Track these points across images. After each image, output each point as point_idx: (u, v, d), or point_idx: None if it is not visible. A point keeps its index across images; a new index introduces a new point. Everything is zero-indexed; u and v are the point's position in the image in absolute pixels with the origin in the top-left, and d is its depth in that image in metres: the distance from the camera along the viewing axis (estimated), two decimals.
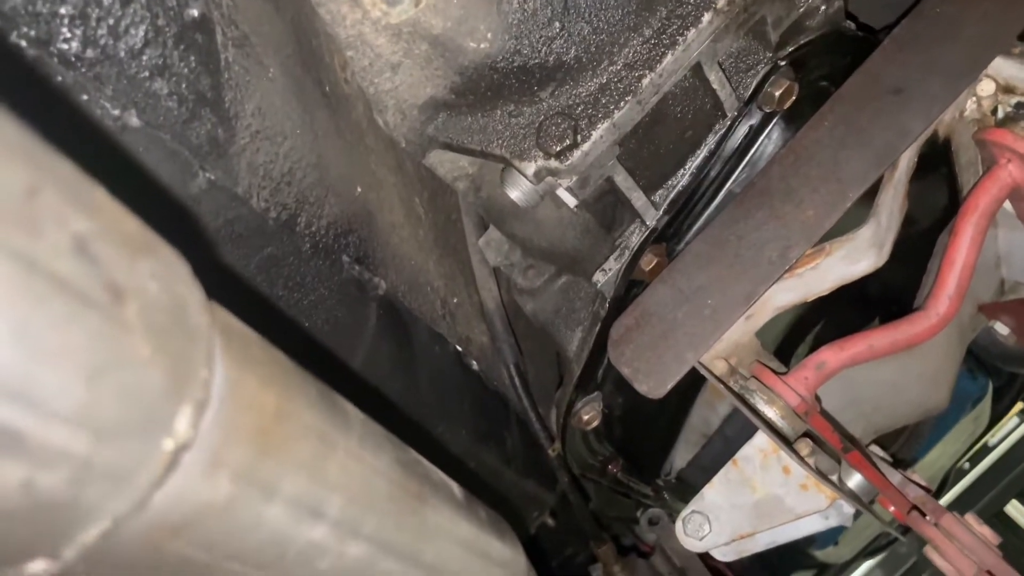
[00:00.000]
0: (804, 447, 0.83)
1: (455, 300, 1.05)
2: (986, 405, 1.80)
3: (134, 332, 0.27)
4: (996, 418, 2.02)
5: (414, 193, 0.99)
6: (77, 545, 0.28)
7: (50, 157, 0.27)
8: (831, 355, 0.86)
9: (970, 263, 0.85)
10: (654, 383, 0.79)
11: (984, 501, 2.50)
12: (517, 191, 0.80)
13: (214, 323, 0.33)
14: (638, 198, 0.81)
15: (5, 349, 0.23)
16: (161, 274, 0.30)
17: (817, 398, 0.88)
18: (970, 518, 0.81)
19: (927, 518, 0.83)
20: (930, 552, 0.82)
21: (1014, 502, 2.66)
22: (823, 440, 0.87)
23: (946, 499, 2.31)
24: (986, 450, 2.50)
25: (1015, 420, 2.45)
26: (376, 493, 0.44)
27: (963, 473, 2.48)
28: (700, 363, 0.81)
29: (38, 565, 0.28)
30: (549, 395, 1.16)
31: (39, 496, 0.25)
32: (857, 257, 0.80)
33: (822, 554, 1.83)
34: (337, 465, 0.40)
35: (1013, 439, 2.51)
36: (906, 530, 0.98)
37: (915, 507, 0.83)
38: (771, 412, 0.85)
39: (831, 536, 1.75)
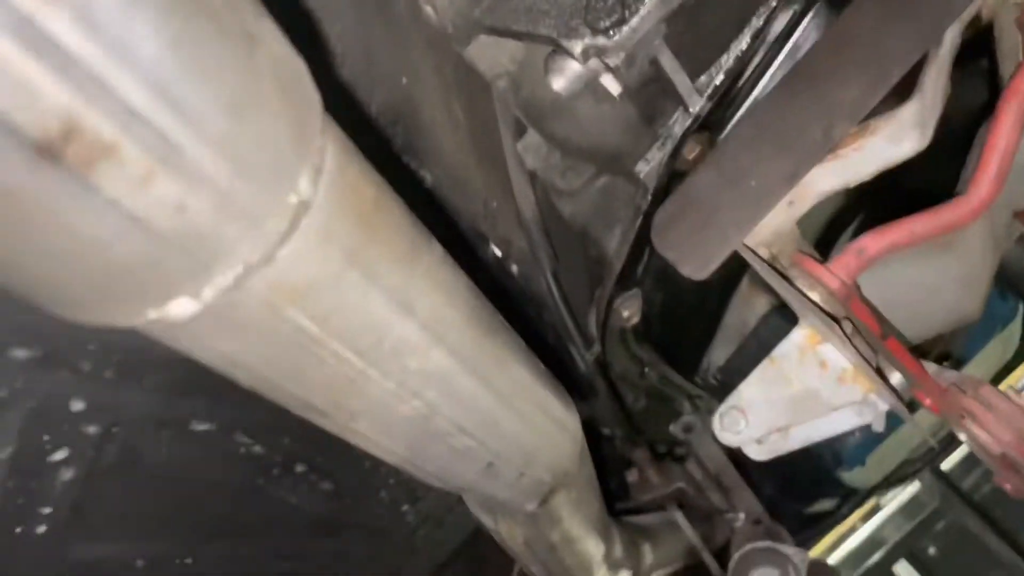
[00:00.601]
0: (847, 326, 0.85)
1: (495, 204, 1.07)
2: (1016, 327, 1.80)
3: (265, 79, 0.29)
4: None
5: (452, 96, 1.00)
6: (214, 286, 0.30)
7: None
8: (871, 241, 0.87)
9: (1011, 148, 0.86)
10: (698, 264, 0.81)
11: None
12: (562, 78, 0.81)
13: (324, 112, 0.34)
14: (682, 81, 0.81)
15: (166, 55, 0.24)
16: (280, 40, 0.31)
17: (856, 285, 0.90)
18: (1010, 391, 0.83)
19: (964, 393, 0.85)
20: (967, 425, 0.84)
21: None
22: (862, 325, 0.89)
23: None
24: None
25: None
26: (456, 310, 0.46)
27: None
28: (743, 245, 0.82)
29: (180, 303, 0.30)
30: (585, 298, 1.18)
31: (189, 220, 0.28)
32: (900, 137, 0.81)
33: (848, 476, 1.85)
34: (424, 271, 0.42)
35: None
36: (937, 454, 1.00)
37: (953, 384, 0.85)
38: (813, 297, 0.86)
39: (858, 456, 1.77)
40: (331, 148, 0.34)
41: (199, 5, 0.26)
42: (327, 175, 0.33)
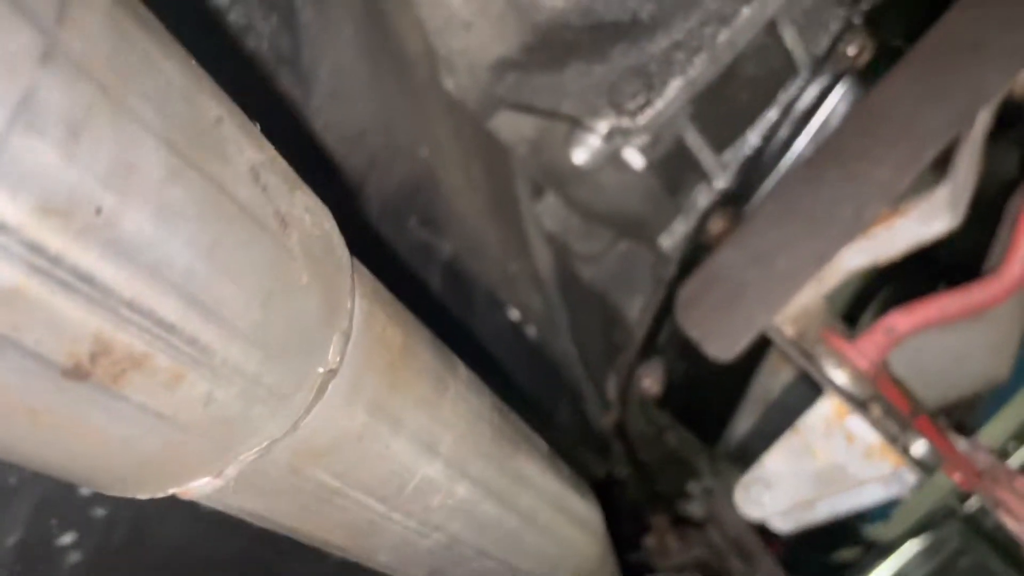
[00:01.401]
0: (876, 409, 0.83)
1: (513, 267, 1.05)
2: None
3: (297, 259, 0.28)
4: None
5: (470, 160, 0.99)
6: (238, 463, 0.29)
7: (222, 93, 0.27)
8: (901, 319, 0.85)
9: None
10: (724, 346, 0.79)
11: None
12: (584, 152, 0.79)
13: (353, 262, 0.33)
14: (707, 158, 0.80)
15: (202, 265, 0.23)
16: (312, 207, 0.30)
17: (886, 363, 0.88)
18: None
19: (999, 481, 0.82)
20: (1003, 515, 0.81)
21: None
22: (891, 405, 0.86)
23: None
24: None
25: None
26: (481, 435, 0.44)
27: (1005, 456, 2.44)
28: (770, 325, 0.80)
29: (202, 483, 0.29)
30: (603, 360, 1.16)
31: (216, 410, 0.26)
32: (932, 218, 0.79)
33: (871, 529, 1.81)
34: (449, 404, 0.41)
35: None
36: (966, 498, 0.97)
37: (982, 475, 0.82)
38: (840, 376, 0.84)
39: (882, 511, 1.73)
40: (359, 305, 0.33)
41: (233, 206, 0.24)
42: (355, 336, 0.32)
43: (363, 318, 0.33)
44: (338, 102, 0.71)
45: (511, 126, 0.88)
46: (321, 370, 0.30)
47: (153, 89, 0.22)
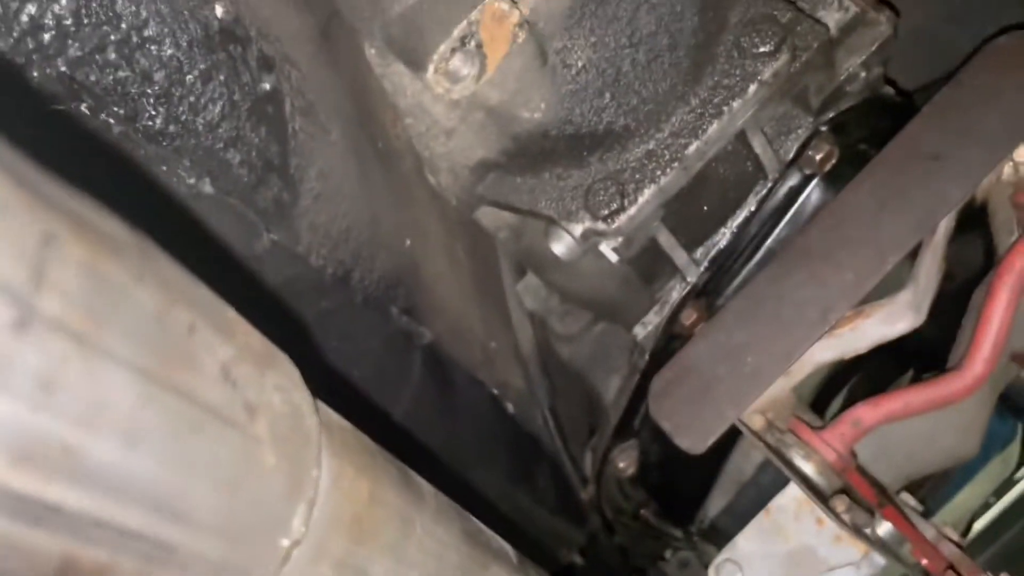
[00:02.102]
0: (840, 503, 0.85)
1: (493, 345, 1.08)
2: (1015, 447, 1.79)
3: (264, 444, 0.30)
4: None
5: (455, 240, 1.02)
6: None
7: (195, 287, 0.29)
8: (867, 412, 0.87)
9: (1005, 325, 0.86)
10: (694, 439, 0.81)
11: (1008, 536, 2.48)
12: (561, 246, 0.82)
13: (321, 424, 0.35)
14: (680, 256, 0.83)
15: (171, 477, 0.25)
16: (282, 384, 0.32)
17: (853, 453, 0.90)
18: None
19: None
20: None
21: None
22: (859, 495, 0.88)
23: (971, 535, 2.29)
24: (1010, 484, 2.48)
25: None
26: (448, 566, 0.46)
27: (987, 507, 2.46)
28: (739, 419, 0.83)
29: None
30: (582, 434, 1.18)
31: None
32: (895, 319, 0.82)
33: None
34: (415, 544, 0.42)
35: None
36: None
37: (951, 566, 0.84)
38: (808, 467, 0.86)
39: None
40: (327, 468, 0.35)
41: (202, 412, 0.26)
42: (321, 501, 0.34)
43: (330, 480, 0.35)
44: (325, 203, 0.73)
45: (493, 215, 0.91)
46: (286, 543, 0.32)
47: (127, 321, 0.24)
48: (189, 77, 0.59)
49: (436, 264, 0.94)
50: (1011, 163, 0.86)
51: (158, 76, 0.57)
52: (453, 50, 0.60)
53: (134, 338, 0.24)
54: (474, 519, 0.55)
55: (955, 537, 0.96)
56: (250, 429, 0.29)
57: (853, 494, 0.89)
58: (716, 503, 1.10)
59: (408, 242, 0.87)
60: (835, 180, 0.84)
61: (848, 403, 1.04)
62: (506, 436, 1.11)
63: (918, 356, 1.12)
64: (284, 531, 0.32)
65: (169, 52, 0.57)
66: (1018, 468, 1.98)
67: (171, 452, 0.25)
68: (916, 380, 1.15)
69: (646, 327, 0.90)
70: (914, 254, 0.84)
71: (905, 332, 0.84)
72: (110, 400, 0.23)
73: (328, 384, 0.81)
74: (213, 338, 0.28)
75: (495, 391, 1.06)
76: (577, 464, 1.15)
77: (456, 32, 0.60)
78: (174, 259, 0.30)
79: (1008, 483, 2.47)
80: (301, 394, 0.34)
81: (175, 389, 0.25)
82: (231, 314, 0.31)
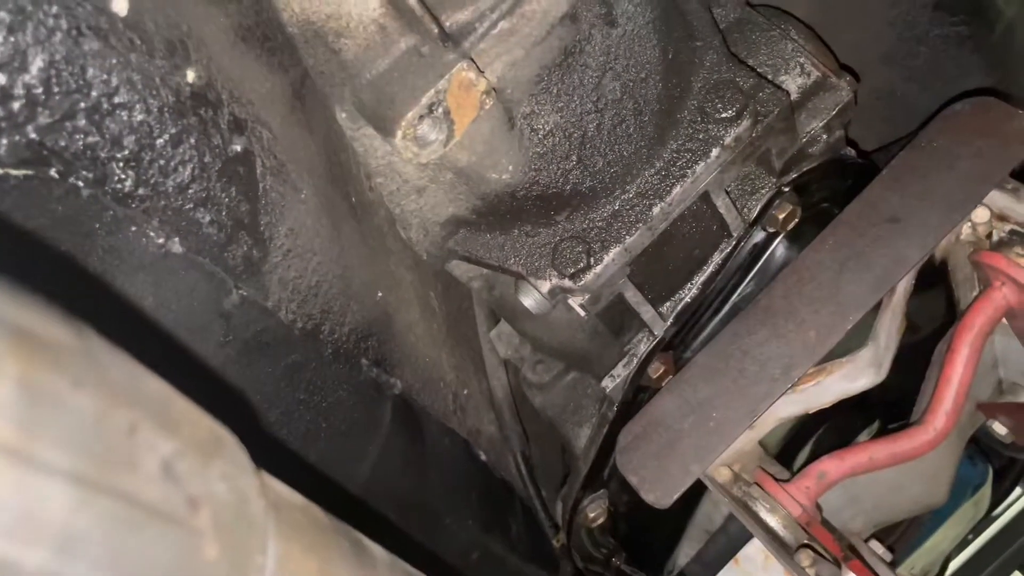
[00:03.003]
0: (805, 558, 0.85)
1: (465, 392, 1.08)
2: (987, 490, 1.81)
3: (206, 536, 0.30)
4: (997, 501, 2.03)
5: (429, 287, 1.03)
6: None
7: (142, 381, 0.30)
8: (832, 465, 0.88)
9: (966, 380, 0.88)
10: (660, 493, 0.82)
11: (986, 573, 2.48)
12: (530, 300, 0.83)
13: (268, 506, 0.36)
14: (647, 311, 0.84)
15: None
16: (228, 472, 0.33)
17: (818, 506, 0.91)
18: None
19: None
20: None
21: (1017, 574, 2.63)
22: (824, 549, 0.89)
23: (949, 572, 2.30)
24: (988, 521, 2.49)
25: (1017, 491, 2.44)
26: None
27: (966, 543, 2.47)
28: (704, 474, 0.84)
29: None
30: (555, 479, 1.18)
31: None
32: (857, 376, 0.83)
33: None
34: None
35: (1015, 511, 2.50)
36: None
37: None
38: (773, 521, 0.87)
39: None
40: (272, 551, 0.35)
41: (141, 512, 0.27)
42: None
43: (276, 564, 0.35)
44: (295, 259, 0.74)
45: (465, 267, 0.92)
46: None
47: (62, 429, 0.25)
48: (159, 141, 0.60)
49: (408, 314, 0.95)
50: (970, 223, 0.88)
51: (128, 141, 0.58)
52: (421, 117, 0.62)
53: (69, 446, 0.25)
54: None
55: None
56: (192, 523, 0.30)
57: (818, 547, 0.90)
58: (686, 552, 1.10)
59: (380, 294, 0.88)
60: (798, 238, 0.86)
61: (816, 453, 1.05)
62: (478, 483, 1.11)
63: (885, 406, 1.14)
64: None
65: (140, 118, 0.58)
66: (991, 510, 2.00)
67: (108, 556, 0.26)
68: (883, 430, 1.17)
69: (615, 379, 0.91)
70: (875, 312, 0.85)
71: (867, 388, 0.86)
72: (43, 510, 0.24)
73: (295, 437, 0.82)
74: (155, 435, 0.29)
75: (467, 438, 1.06)
76: (548, 511, 1.15)
77: (424, 100, 0.61)
78: (121, 352, 0.31)
79: (987, 520, 2.49)
80: (248, 479, 0.35)
81: (112, 492, 0.26)
82: (179, 405, 0.32)
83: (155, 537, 0.28)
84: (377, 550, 0.49)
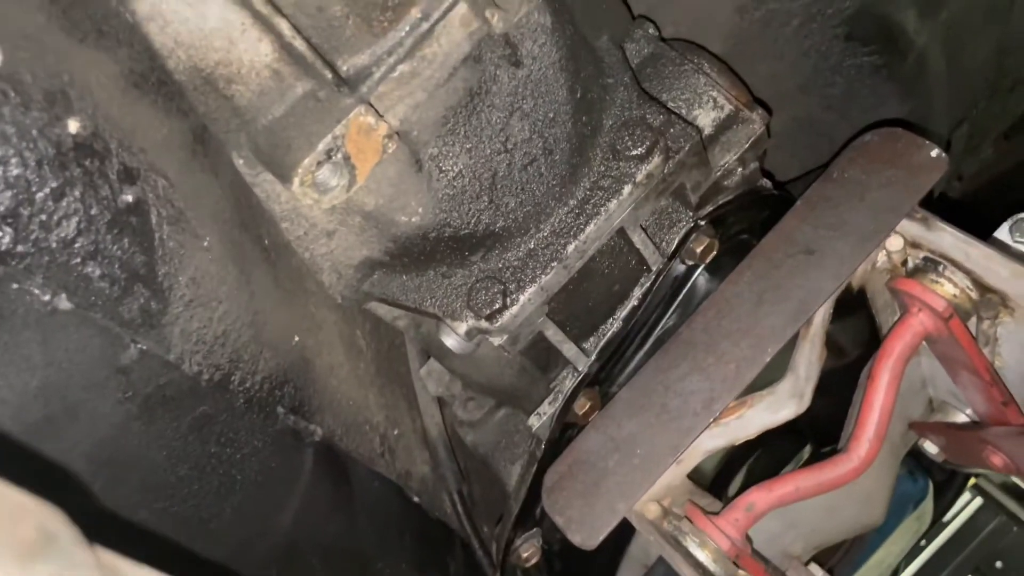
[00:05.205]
0: None
1: (396, 432, 1.06)
2: (928, 504, 1.84)
3: None
4: (940, 513, 2.06)
5: (355, 326, 1.01)
6: None
7: None
8: (760, 496, 0.88)
9: (888, 407, 0.89)
10: (586, 534, 0.81)
11: None
12: (451, 340, 0.82)
13: None
14: (569, 349, 0.83)
15: None
16: (57, 574, 0.30)
17: (748, 538, 0.90)
18: None
19: None
20: None
21: None
22: None
23: None
24: (941, 527, 2.53)
25: (967, 495, 2.49)
26: None
27: (919, 550, 2.50)
28: (632, 511, 0.83)
29: None
30: (494, 518, 1.16)
31: None
32: (778, 407, 0.84)
33: None
34: None
35: (967, 515, 2.54)
36: None
37: None
38: (702, 555, 0.86)
39: None
40: None
41: None
42: None
43: None
44: (198, 308, 0.71)
45: (387, 308, 0.90)
46: None
47: None
48: (39, 195, 0.57)
49: (331, 356, 0.93)
50: (885, 251, 0.90)
51: (4, 197, 0.56)
52: (319, 163, 0.60)
53: None
54: None
55: None
56: None
57: None
58: None
59: (297, 338, 0.86)
60: (718, 270, 0.87)
61: (749, 480, 1.05)
62: (412, 525, 1.09)
63: (817, 430, 1.15)
64: None
65: (16, 172, 0.56)
66: (934, 523, 2.03)
67: None
68: (816, 454, 1.17)
69: (541, 417, 0.89)
70: (795, 342, 0.86)
71: (789, 418, 0.86)
72: None
73: (208, 492, 0.78)
74: None
75: (397, 481, 1.04)
76: (487, 548, 1.13)
77: (321, 146, 0.60)
78: None
79: (939, 526, 2.53)
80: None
81: None
82: (4, 506, 0.30)
83: None
84: None
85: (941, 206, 0.86)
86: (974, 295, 0.85)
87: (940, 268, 0.86)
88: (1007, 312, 0.85)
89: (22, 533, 0.30)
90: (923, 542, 2.51)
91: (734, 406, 0.83)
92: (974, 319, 0.89)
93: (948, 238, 0.82)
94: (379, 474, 0.99)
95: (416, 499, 1.07)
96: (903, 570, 2.41)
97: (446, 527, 1.15)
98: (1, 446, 0.60)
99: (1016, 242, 0.89)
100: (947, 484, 1.96)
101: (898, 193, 0.82)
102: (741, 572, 0.88)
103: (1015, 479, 2.34)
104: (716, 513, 0.89)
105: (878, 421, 0.88)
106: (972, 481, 2.30)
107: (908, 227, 0.85)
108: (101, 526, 0.39)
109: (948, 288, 0.85)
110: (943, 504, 2.01)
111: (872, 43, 1.01)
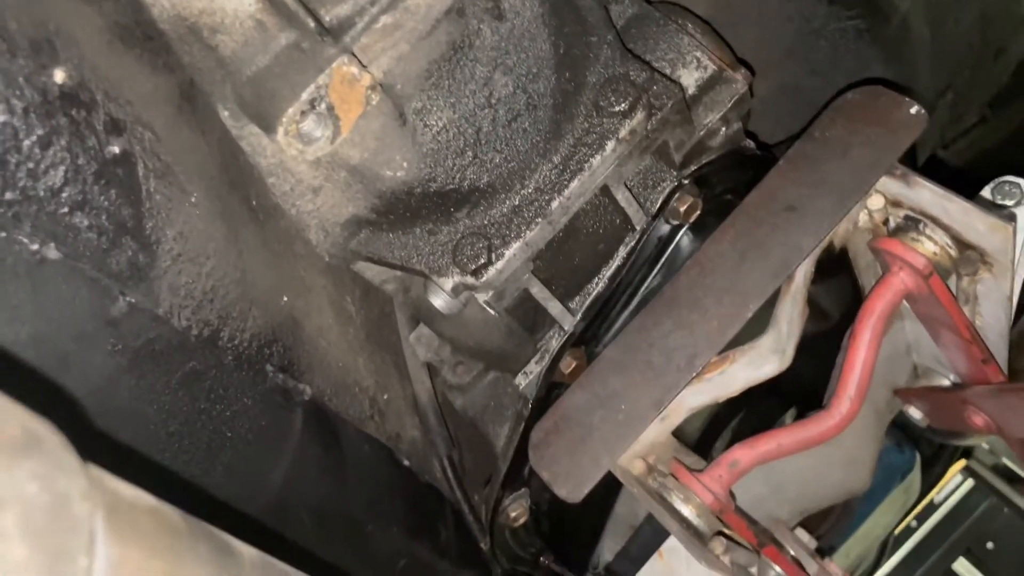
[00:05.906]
0: (718, 545, 0.86)
1: (385, 397, 1.07)
2: (916, 475, 1.86)
3: (11, 539, 0.29)
4: (929, 486, 2.08)
5: (345, 292, 1.02)
6: None
7: None
8: (743, 453, 0.89)
9: (869, 364, 0.90)
10: (572, 487, 0.82)
11: (932, 559, 2.54)
12: (439, 300, 0.83)
13: (96, 507, 0.34)
14: (554, 307, 0.84)
15: None
16: (42, 472, 0.31)
17: (732, 495, 0.92)
18: None
19: None
20: None
21: (962, 559, 2.70)
22: (738, 537, 0.90)
23: (895, 559, 2.36)
24: (932, 508, 2.56)
25: (959, 477, 2.51)
26: None
27: (911, 531, 2.53)
28: (617, 465, 0.84)
29: None
30: (476, 489, 1.18)
31: None
32: (760, 363, 0.85)
33: None
34: None
35: (958, 497, 2.57)
36: None
37: None
38: (687, 510, 0.88)
39: None
40: (103, 553, 0.34)
41: None
42: None
43: (108, 567, 0.34)
44: (186, 263, 0.72)
45: (376, 269, 0.91)
46: None
47: None
48: (26, 143, 0.58)
49: (320, 318, 0.94)
50: (866, 211, 0.91)
51: None
52: (303, 113, 0.61)
53: None
54: None
55: (839, 572, 0.99)
56: None
57: (733, 535, 0.91)
58: (610, 546, 1.11)
59: (286, 298, 0.87)
60: (702, 230, 0.88)
61: (734, 442, 1.06)
62: (401, 489, 1.10)
63: (802, 393, 1.16)
64: None
65: (2, 119, 0.56)
66: (924, 495, 2.05)
67: None
68: (799, 417, 1.19)
69: (528, 376, 0.91)
70: (777, 299, 0.87)
71: (772, 375, 0.87)
72: None
73: (198, 448, 0.79)
74: None
75: (387, 444, 1.05)
76: (477, 514, 1.14)
77: (305, 95, 0.61)
78: None
79: (931, 507, 2.55)
80: (69, 479, 0.33)
81: None
82: None
83: None
84: (247, 552, 0.47)
85: (927, 171, 0.87)
86: (953, 252, 0.86)
87: (920, 226, 0.87)
88: (986, 268, 0.86)
89: (8, 431, 0.31)
90: (914, 523, 2.54)
91: (716, 361, 0.84)
92: (954, 278, 0.91)
93: (927, 194, 0.83)
94: (369, 436, 1.00)
95: (406, 462, 1.08)
96: (895, 552, 2.44)
97: (436, 492, 1.16)
98: None
99: (998, 205, 0.91)
100: (935, 458, 1.98)
101: (878, 151, 0.83)
102: (725, 528, 0.90)
103: (1006, 460, 2.37)
104: (700, 471, 0.90)
105: (859, 378, 0.90)
106: (963, 463, 2.32)
107: (888, 184, 0.86)
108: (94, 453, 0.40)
109: (928, 245, 0.86)
110: (931, 478, 2.03)
111: (855, 7, 1.02)
